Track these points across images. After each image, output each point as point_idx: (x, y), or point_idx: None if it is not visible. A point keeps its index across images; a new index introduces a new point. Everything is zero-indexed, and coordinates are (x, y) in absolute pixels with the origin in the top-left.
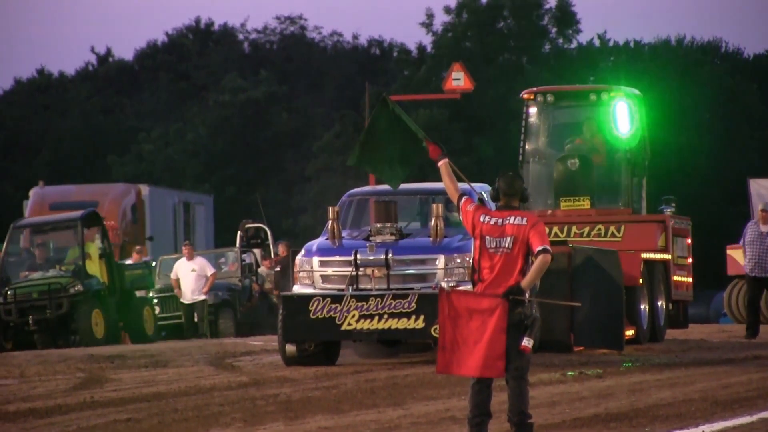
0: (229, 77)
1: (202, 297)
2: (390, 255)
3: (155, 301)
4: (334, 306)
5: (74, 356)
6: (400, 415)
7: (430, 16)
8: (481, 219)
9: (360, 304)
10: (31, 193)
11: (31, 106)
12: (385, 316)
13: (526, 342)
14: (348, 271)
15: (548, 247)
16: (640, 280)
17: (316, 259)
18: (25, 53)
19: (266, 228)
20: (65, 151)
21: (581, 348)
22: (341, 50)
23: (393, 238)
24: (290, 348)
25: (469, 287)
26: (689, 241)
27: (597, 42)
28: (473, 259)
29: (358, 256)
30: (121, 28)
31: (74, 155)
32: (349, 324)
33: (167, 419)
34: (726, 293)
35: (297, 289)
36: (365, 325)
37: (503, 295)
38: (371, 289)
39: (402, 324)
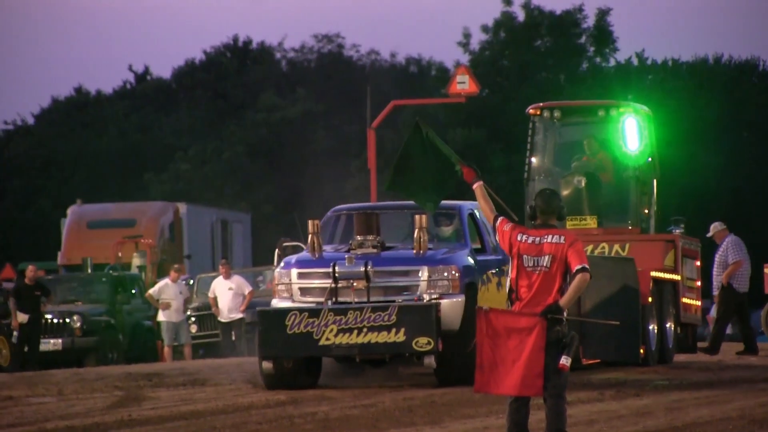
0: (265, 95)
1: (240, 315)
2: (370, 267)
3: (192, 319)
4: (311, 320)
5: (112, 374)
6: None
7: (467, 35)
8: (519, 238)
9: (338, 317)
10: (69, 211)
11: (69, 124)
12: (365, 329)
13: (565, 360)
14: (327, 283)
15: (587, 266)
16: (650, 299)
17: (294, 272)
18: (63, 71)
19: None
20: (102, 169)
21: (592, 360)
22: (379, 68)
23: (375, 250)
24: (267, 365)
25: (459, 299)
26: (698, 263)
27: (635, 60)
28: (510, 279)
29: (337, 269)
30: (159, 47)
31: (111, 173)
32: (328, 339)
33: None
34: (763, 312)
35: (275, 303)
36: (344, 339)
37: (541, 313)
38: (350, 302)
39: (382, 337)
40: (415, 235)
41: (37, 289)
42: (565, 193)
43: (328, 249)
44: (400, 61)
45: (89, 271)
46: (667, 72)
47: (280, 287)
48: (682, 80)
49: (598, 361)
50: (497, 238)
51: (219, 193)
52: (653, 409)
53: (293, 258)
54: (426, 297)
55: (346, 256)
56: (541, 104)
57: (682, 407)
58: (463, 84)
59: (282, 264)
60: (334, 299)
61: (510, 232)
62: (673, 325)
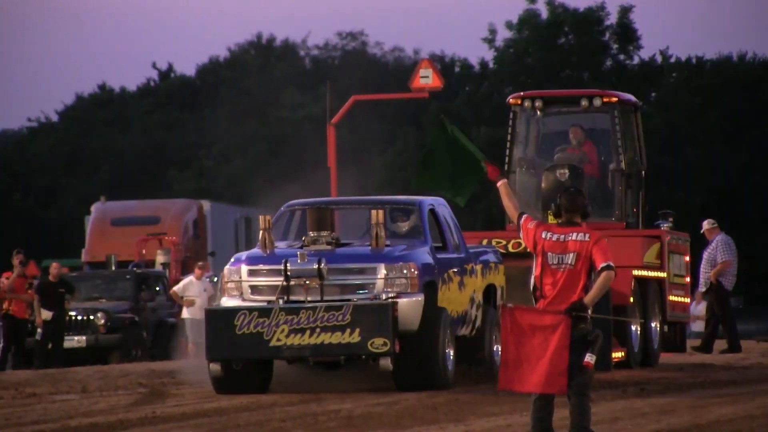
0: (287, 92)
1: None
2: (323, 264)
3: None
4: (261, 320)
5: (136, 371)
6: (461, 431)
7: (493, 31)
8: (543, 235)
9: (290, 317)
10: (93, 208)
11: (93, 121)
12: (318, 329)
13: (589, 358)
14: (278, 281)
15: (612, 264)
16: (631, 299)
17: (244, 268)
18: (87, 68)
19: None
20: (126, 166)
21: None
22: (402, 66)
23: (329, 247)
24: (215, 367)
25: (418, 298)
26: (687, 258)
27: (659, 58)
28: (534, 276)
29: (289, 266)
30: (183, 44)
31: (135, 171)
32: (279, 339)
33: None
34: None
35: (224, 301)
36: (296, 340)
37: (566, 311)
38: (303, 301)
39: (336, 338)
40: (372, 230)
41: (61, 286)
42: (546, 185)
43: (280, 246)
44: (423, 57)
45: (113, 268)
46: (691, 70)
47: (229, 285)
48: (706, 78)
49: None
50: (521, 236)
51: (243, 190)
52: (677, 407)
53: (243, 254)
54: (383, 296)
55: (299, 252)
56: (522, 93)
57: (705, 405)
58: (427, 78)
59: (232, 260)
60: (285, 298)
61: (534, 230)
62: (658, 325)
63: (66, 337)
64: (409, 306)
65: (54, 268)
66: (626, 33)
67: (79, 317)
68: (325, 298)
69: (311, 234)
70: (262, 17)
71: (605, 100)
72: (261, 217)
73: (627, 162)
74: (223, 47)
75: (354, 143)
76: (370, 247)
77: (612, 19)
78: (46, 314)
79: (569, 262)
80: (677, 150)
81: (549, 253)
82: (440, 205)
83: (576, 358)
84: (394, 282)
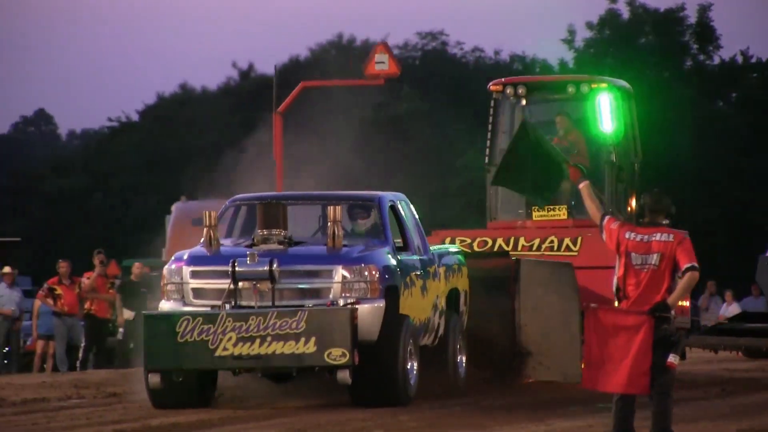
0: (369, 92)
1: None
2: (275, 266)
3: None
4: (207, 327)
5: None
6: (542, 431)
7: (572, 32)
8: (627, 236)
9: (238, 324)
10: (173, 207)
11: (174, 120)
12: (269, 338)
13: (672, 359)
14: (225, 284)
15: (696, 265)
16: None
17: (186, 269)
18: (168, 68)
19: None
20: (206, 165)
21: (530, 379)
22: (483, 66)
23: (281, 246)
24: (154, 379)
25: (379, 305)
26: None
27: (740, 58)
28: (617, 277)
29: (237, 267)
30: (264, 43)
31: (215, 170)
32: (225, 348)
33: None
34: None
35: (164, 305)
36: (245, 349)
37: (649, 311)
38: (252, 307)
39: (289, 348)
40: (329, 229)
41: (143, 286)
42: None
43: (226, 244)
44: (504, 58)
45: None
46: None
47: (169, 287)
48: None
49: (532, 380)
50: (604, 237)
51: (323, 190)
52: (758, 407)
53: (185, 253)
54: (341, 302)
55: (248, 252)
56: (504, 80)
57: None
58: (382, 64)
59: (172, 259)
60: (233, 303)
61: (618, 231)
62: None
63: None
64: (369, 313)
65: (137, 267)
66: (706, 33)
67: None
68: (277, 303)
69: (261, 232)
70: (343, 17)
71: (593, 86)
72: (205, 213)
73: (618, 153)
74: (303, 47)
75: (436, 144)
76: (326, 247)
77: (692, 19)
78: (128, 314)
79: (653, 262)
80: (758, 151)
81: (632, 254)
82: (401, 200)
83: (659, 358)
84: (353, 286)
